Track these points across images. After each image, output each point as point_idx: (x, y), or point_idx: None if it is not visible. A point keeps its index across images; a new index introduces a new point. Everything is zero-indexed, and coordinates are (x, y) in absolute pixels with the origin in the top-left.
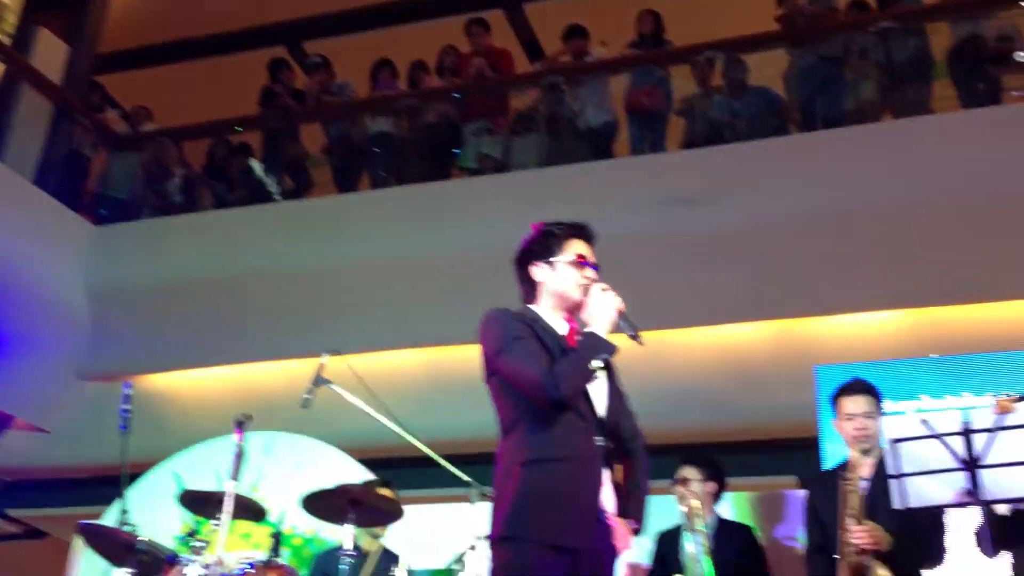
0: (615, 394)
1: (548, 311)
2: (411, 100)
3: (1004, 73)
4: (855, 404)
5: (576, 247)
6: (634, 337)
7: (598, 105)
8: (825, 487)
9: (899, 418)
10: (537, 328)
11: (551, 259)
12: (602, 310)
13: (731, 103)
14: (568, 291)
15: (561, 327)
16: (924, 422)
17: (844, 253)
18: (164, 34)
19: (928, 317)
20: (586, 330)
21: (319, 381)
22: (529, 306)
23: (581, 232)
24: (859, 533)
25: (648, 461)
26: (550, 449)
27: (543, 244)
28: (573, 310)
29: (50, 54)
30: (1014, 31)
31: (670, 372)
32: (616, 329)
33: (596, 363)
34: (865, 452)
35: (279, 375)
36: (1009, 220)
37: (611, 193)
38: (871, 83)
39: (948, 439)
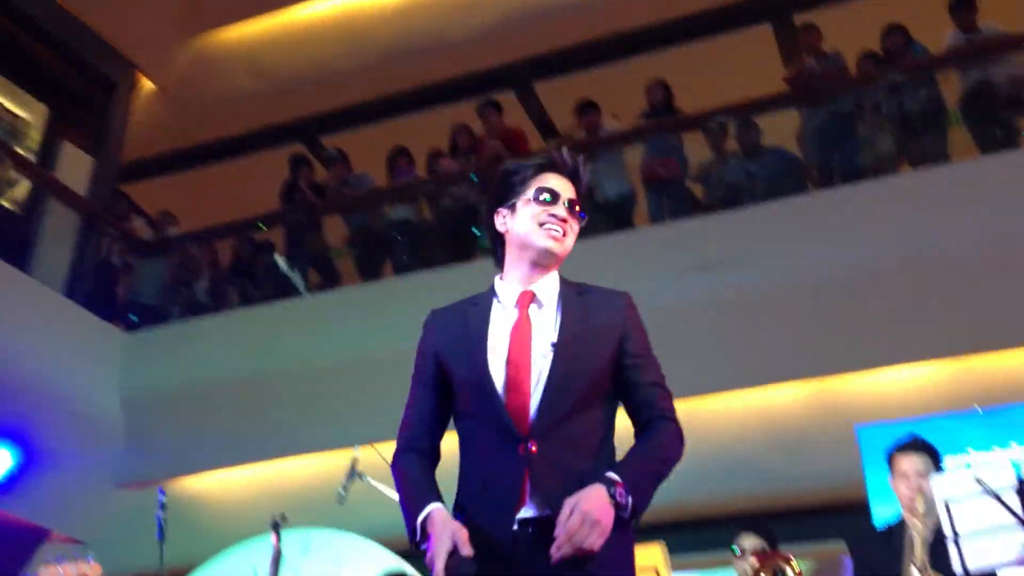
0: (571, 375)
1: (508, 280)
2: (429, 186)
3: (1020, 116)
4: (910, 463)
5: (544, 181)
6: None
7: (614, 177)
8: (880, 545)
9: (950, 476)
10: (455, 330)
11: (512, 201)
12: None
13: (747, 166)
14: (528, 235)
15: (511, 307)
16: (977, 480)
17: (876, 307)
18: (184, 140)
19: (966, 367)
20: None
21: (353, 475)
22: (497, 279)
23: (551, 165)
24: None
25: (670, 434)
26: (462, 488)
27: (503, 185)
28: (540, 262)
29: (75, 167)
30: None
31: (710, 439)
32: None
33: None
34: (922, 513)
35: (313, 469)
36: None
37: (634, 263)
38: (886, 136)
39: (1003, 495)
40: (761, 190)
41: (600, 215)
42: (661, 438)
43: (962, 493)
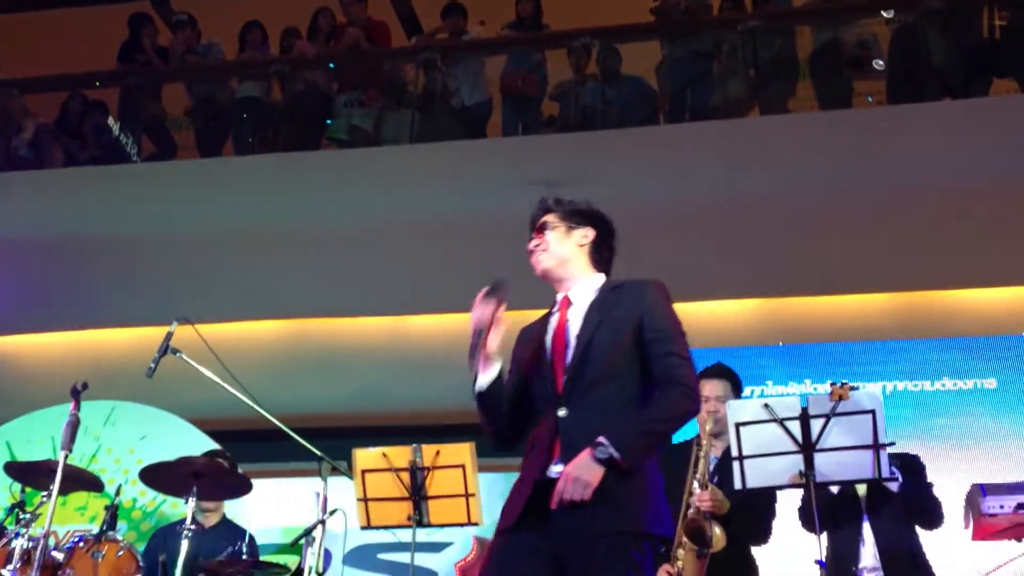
0: (599, 345)
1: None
2: (282, 66)
3: (859, 78)
4: (711, 387)
5: None
6: None
7: (473, 84)
8: (672, 457)
9: (743, 402)
10: (533, 332)
11: None
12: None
13: (604, 90)
14: None
15: (555, 312)
16: (766, 406)
17: (701, 242)
18: None
19: (777, 306)
20: None
21: (166, 350)
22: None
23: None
24: (703, 496)
25: (675, 395)
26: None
27: None
28: (547, 280)
29: None
30: (873, 39)
31: None
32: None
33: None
34: (716, 435)
35: (129, 342)
36: (856, 217)
37: (481, 173)
38: (738, 80)
39: (787, 423)
40: (614, 116)
41: (453, 121)
42: (662, 400)
43: (751, 417)
